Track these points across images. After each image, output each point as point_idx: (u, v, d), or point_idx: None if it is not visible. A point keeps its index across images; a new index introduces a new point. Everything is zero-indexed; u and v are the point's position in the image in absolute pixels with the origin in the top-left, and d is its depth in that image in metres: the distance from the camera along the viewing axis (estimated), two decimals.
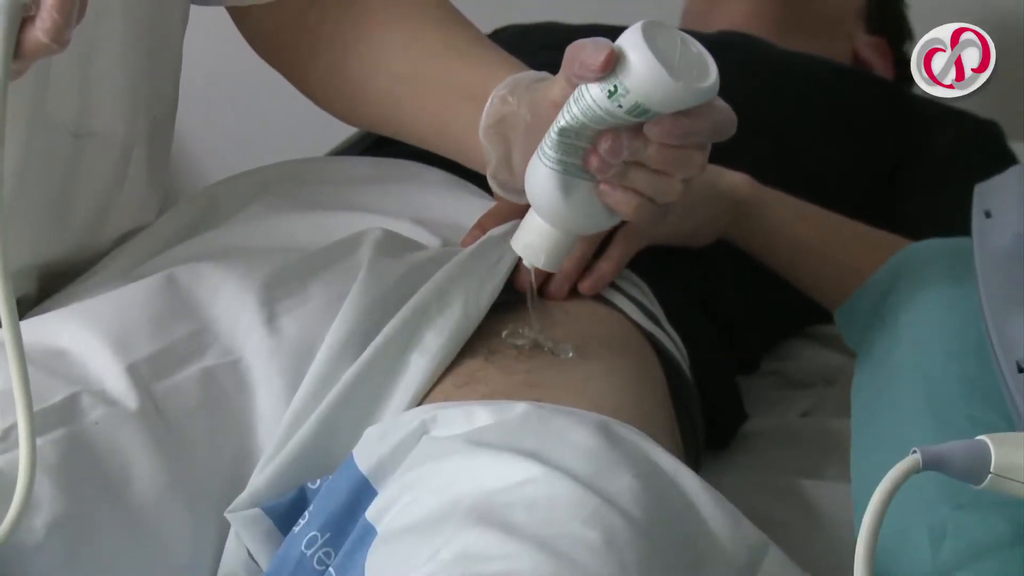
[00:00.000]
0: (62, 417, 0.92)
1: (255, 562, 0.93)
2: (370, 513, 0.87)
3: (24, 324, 0.97)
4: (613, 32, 0.94)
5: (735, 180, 1.20)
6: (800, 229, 1.21)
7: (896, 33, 1.61)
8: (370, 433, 0.92)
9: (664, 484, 0.86)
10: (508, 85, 0.98)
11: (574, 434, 0.86)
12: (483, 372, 0.97)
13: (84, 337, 0.96)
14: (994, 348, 0.87)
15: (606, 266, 1.08)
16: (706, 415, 1.15)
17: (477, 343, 1.00)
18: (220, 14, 1.11)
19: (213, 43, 1.18)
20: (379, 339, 0.97)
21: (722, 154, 1.22)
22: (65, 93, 0.99)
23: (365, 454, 0.90)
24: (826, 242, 1.21)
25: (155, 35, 1.05)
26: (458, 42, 1.06)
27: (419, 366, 0.97)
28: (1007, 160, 1.42)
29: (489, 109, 0.98)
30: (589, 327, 1.03)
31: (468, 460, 0.86)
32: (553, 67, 1.15)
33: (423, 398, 0.97)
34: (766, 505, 1.08)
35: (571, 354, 0.99)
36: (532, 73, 0.99)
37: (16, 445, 0.90)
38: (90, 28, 0.96)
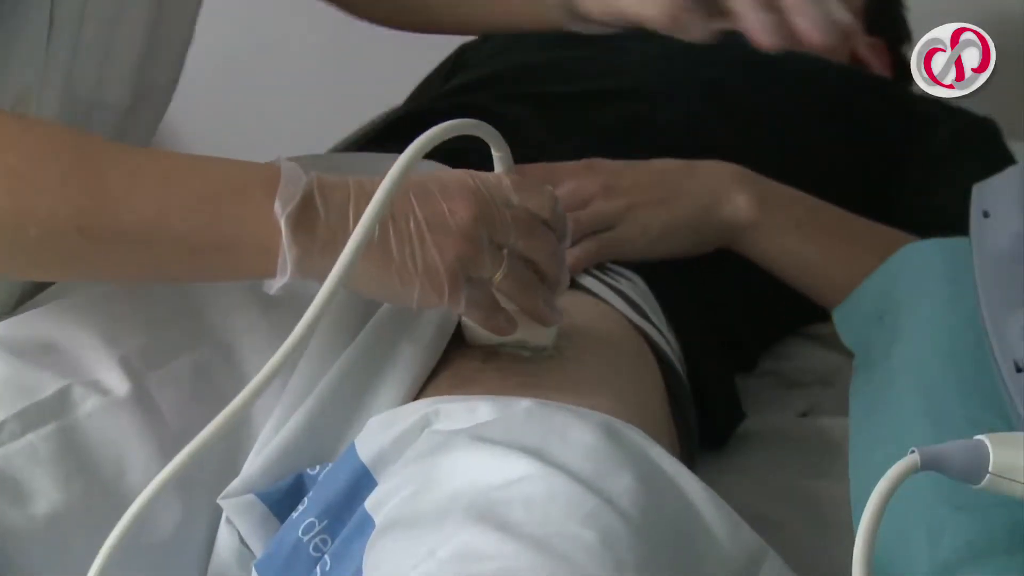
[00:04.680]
0: (54, 411, 0.93)
1: (248, 548, 0.93)
2: (369, 503, 0.87)
3: (14, 319, 0.97)
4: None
5: (737, 207, 1.19)
6: (802, 249, 1.21)
7: (895, 34, 1.61)
8: (373, 423, 0.92)
9: (664, 485, 0.85)
10: None
11: (576, 432, 0.86)
12: (481, 373, 0.97)
13: (75, 330, 0.96)
14: (992, 348, 0.87)
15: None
16: (704, 415, 1.14)
17: (476, 346, 1.00)
18: (220, 14, 1.11)
19: (213, 41, 1.18)
20: (368, 327, 0.97)
21: (722, 151, 1.22)
22: (88, 66, 1.00)
23: (367, 443, 0.91)
24: (829, 260, 1.20)
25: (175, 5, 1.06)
26: None
27: (411, 355, 0.97)
28: (1004, 157, 1.42)
29: None
30: (586, 324, 1.03)
31: (468, 455, 0.85)
32: (551, 66, 1.15)
33: (419, 392, 0.97)
34: (764, 505, 1.08)
35: (572, 350, 0.99)
36: None
37: (10, 440, 0.91)
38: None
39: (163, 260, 0.89)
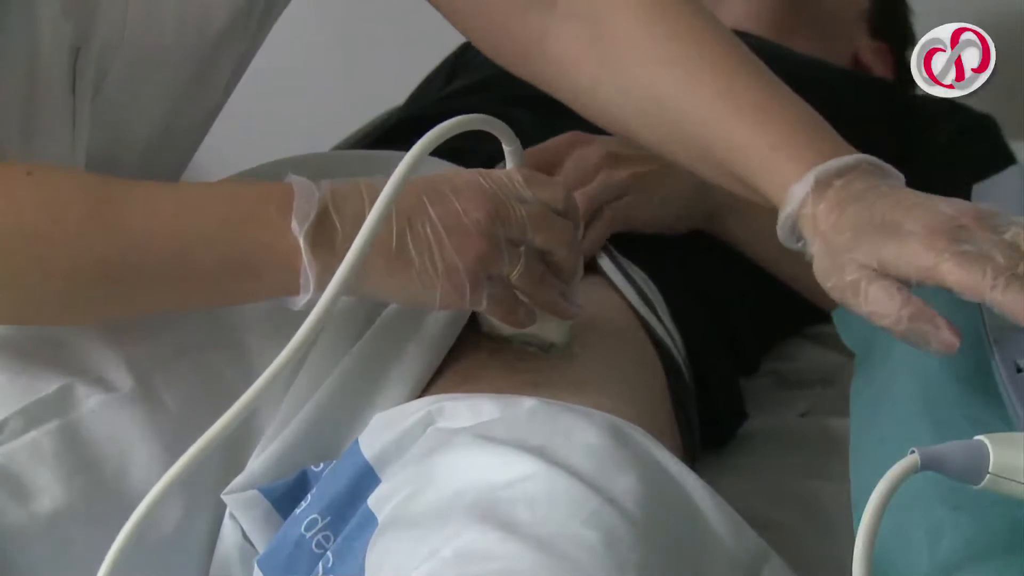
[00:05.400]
0: (57, 407, 0.93)
1: (250, 544, 0.93)
2: (372, 501, 0.88)
3: None
4: None
5: None
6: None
7: (899, 39, 1.60)
8: (376, 420, 0.93)
9: (668, 487, 0.85)
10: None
11: (581, 432, 0.86)
12: (486, 370, 0.97)
13: (79, 328, 0.96)
14: (992, 348, 0.87)
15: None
16: (706, 414, 1.15)
17: (482, 340, 1.00)
18: None
19: None
20: (375, 326, 0.98)
21: None
22: (106, 131, 1.00)
23: (370, 441, 0.91)
24: None
25: (201, 85, 1.05)
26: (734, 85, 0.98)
27: (417, 354, 0.97)
28: (1003, 153, 1.42)
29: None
30: (593, 316, 1.03)
31: (472, 454, 0.86)
32: None
33: (424, 389, 0.97)
34: (765, 505, 1.08)
35: (579, 348, 0.99)
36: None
37: (12, 437, 0.91)
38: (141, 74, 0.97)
39: (188, 292, 0.90)
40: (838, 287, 0.88)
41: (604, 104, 1.03)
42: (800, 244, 0.92)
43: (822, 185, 0.90)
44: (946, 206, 0.87)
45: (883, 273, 0.86)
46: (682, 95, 0.98)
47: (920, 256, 0.84)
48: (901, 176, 0.92)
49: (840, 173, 0.90)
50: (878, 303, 0.86)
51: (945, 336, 0.85)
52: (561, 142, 1.19)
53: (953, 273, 0.83)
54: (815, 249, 0.90)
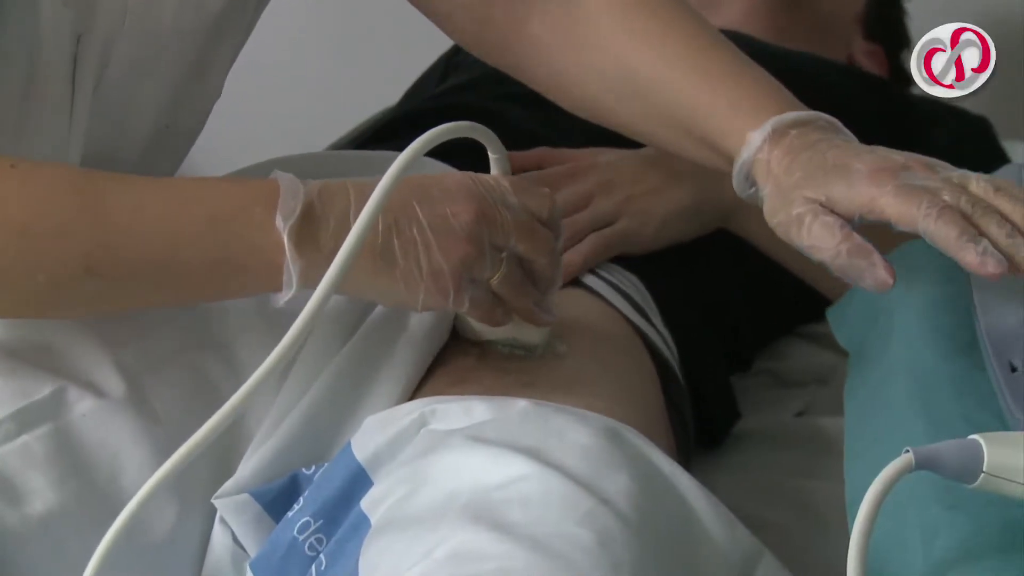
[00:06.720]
0: (49, 411, 0.93)
1: (242, 548, 0.93)
2: (365, 503, 0.88)
3: (10, 321, 0.98)
4: None
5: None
6: None
7: (894, 42, 1.61)
8: (369, 422, 0.93)
9: (661, 487, 0.86)
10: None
11: (574, 433, 0.86)
12: (476, 372, 0.97)
13: (71, 331, 0.96)
14: (987, 348, 0.87)
15: (571, 258, 1.09)
16: (699, 414, 1.15)
17: (470, 344, 1.00)
18: None
19: None
20: (364, 327, 0.98)
21: None
22: (106, 125, 1.00)
23: (363, 443, 0.91)
24: None
25: (197, 82, 1.05)
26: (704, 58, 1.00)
27: (407, 355, 0.97)
28: (998, 155, 1.42)
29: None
30: (583, 322, 1.03)
31: (466, 456, 0.86)
32: None
33: (415, 391, 0.97)
34: (759, 505, 1.08)
35: (565, 348, 0.99)
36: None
37: (5, 441, 0.91)
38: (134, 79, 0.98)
39: (174, 289, 0.90)
40: (783, 223, 0.90)
41: (580, 85, 1.04)
42: (752, 190, 0.94)
43: (778, 134, 0.93)
44: (897, 155, 0.89)
45: (829, 209, 0.88)
46: (653, 66, 1.00)
47: (864, 191, 0.86)
48: (854, 137, 0.94)
49: (796, 125, 0.93)
50: (819, 237, 0.88)
51: (879, 273, 0.86)
52: (558, 171, 1.19)
53: (891, 205, 0.85)
54: (767, 192, 0.92)
